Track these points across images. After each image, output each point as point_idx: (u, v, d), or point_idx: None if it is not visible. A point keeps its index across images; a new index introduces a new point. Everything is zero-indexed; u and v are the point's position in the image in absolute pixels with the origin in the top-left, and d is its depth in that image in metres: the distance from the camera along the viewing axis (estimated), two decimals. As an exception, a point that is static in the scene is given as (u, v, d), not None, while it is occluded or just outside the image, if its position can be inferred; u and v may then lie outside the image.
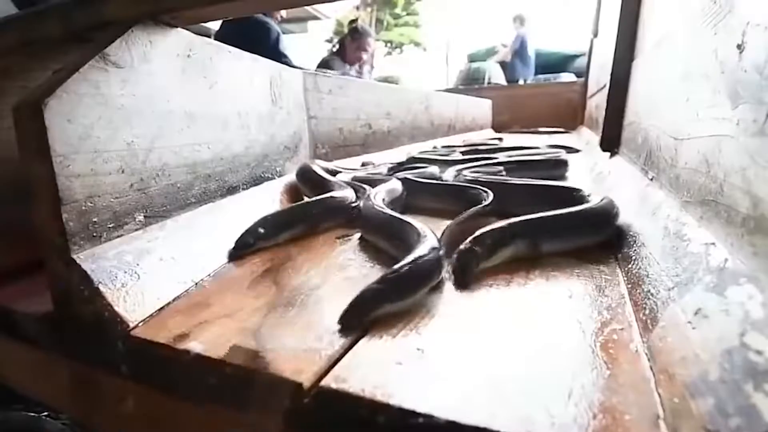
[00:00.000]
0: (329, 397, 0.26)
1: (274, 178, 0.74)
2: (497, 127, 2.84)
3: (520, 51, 4.68)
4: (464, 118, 2.26)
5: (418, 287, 0.36)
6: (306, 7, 6.02)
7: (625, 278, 0.39)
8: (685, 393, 0.22)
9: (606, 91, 1.01)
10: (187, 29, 0.53)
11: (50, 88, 0.37)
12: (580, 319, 0.32)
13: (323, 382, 0.26)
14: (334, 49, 3.15)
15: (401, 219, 0.48)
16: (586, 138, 1.66)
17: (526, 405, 0.23)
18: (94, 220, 0.40)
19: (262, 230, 0.52)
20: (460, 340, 0.31)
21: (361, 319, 0.32)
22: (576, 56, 4.80)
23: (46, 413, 0.90)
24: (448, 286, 0.39)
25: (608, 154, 0.97)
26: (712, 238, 0.32)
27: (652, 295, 0.33)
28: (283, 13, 2.53)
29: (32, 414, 0.90)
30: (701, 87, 0.40)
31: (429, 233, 0.42)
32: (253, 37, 1.99)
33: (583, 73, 2.64)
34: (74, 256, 0.37)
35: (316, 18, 7.43)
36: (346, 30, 3.03)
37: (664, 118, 0.54)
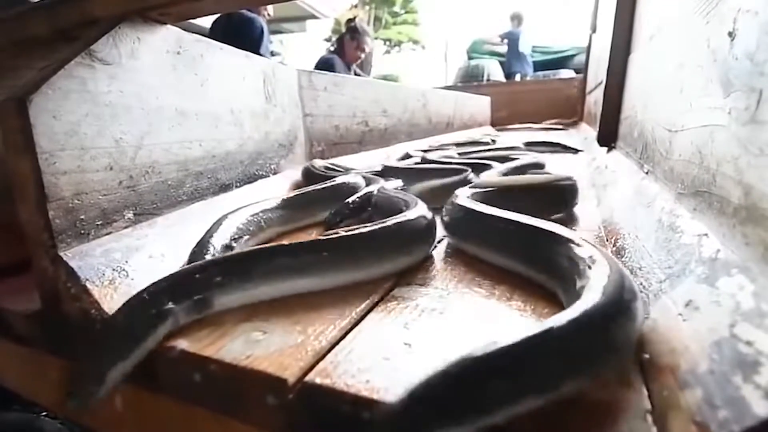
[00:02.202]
0: (313, 392, 0.25)
1: (269, 176, 0.74)
2: (496, 124, 2.83)
3: (511, 46, 4.75)
4: (462, 115, 2.25)
5: None
6: (304, 6, 6.02)
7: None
8: (674, 385, 0.22)
9: (603, 86, 1.00)
10: (179, 27, 0.53)
11: (35, 85, 0.37)
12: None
13: (307, 378, 0.26)
14: (332, 48, 3.13)
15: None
16: (585, 134, 1.66)
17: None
18: (82, 217, 0.39)
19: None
20: (449, 335, 0.30)
21: None
22: (574, 55, 4.85)
23: (44, 413, 0.90)
24: (439, 282, 0.39)
25: (606, 148, 0.97)
26: (705, 229, 0.32)
27: (644, 288, 0.33)
28: (270, 10, 2.50)
29: (30, 414, 0.90)
30: (695, 77, 0.40)
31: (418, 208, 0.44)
32: (239, 34, 1.98)
33: (582, 70, 2.63)
34: (61, 254, 0.37)
35: (314, 17, 7.41)
36: (343, 29, 3.01)
37: (659, 110, 0.53)
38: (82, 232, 0.39)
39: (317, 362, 0.28)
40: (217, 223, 0.47)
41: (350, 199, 0.58)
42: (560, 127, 2.40)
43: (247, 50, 0.69)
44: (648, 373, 0.24)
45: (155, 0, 0.45)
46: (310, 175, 0.78)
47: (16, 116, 0.35)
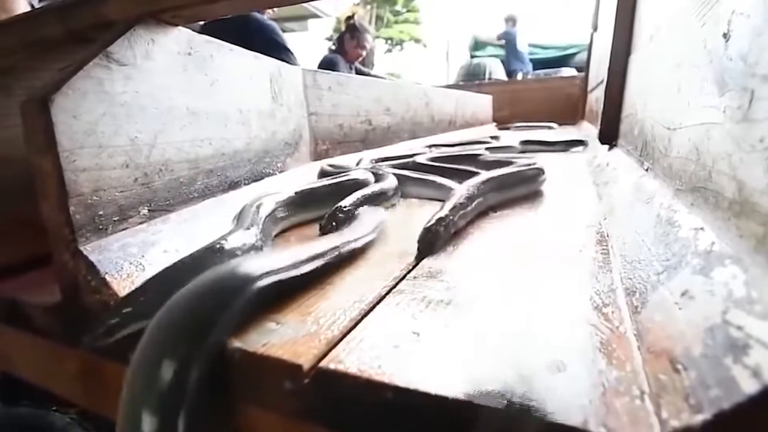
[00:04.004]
0: (328, 377, 0.27)
1: (276, 174, 0.75)
2: (499, 122, 2.84)
3: (509, 46, 4.87)
4: (464, 113, 2.27)
5: None
6: (306, 6, 6.03)
7: (619, 265, 0.40)
8: (670, 369, 0.23)
9: (604, 84, 1.01)
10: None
11: (56, 85, 0.38)
12: (572, 305, 0.33)
13: (321, 364, 0.27)
14: (333, 47, 3.14)
15: None
16: (586, 132, 1.67)
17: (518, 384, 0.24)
18: (100, 213, 0.41)
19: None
20: (456, 324, 0.32)
21: None
22: (576, 53, 4.92)
23: (54, 408, 0.91)
24: (448, 274, 0.40)
25: (607, 146, 0.98)
26: (701, 224, 0.33)
27: (642, 279, 0.34)
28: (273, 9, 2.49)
29: (40, 409, 0.92)
30: (692, 77, 0.41)
31: None
32: (251, 36, 1.98)
33: (584, 68, 2.64)
34: (81, 248, 0.39)
35: (316, 16, 7.42)
36: (343, 27, 3.02)
37: (658, 108, 0.55)
38: (101, 227, 0.41)
39: (330, 350, 0.29)
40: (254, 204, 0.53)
41: (343, 203, 0.58)
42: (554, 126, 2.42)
43: (263, 53, 0.71)
44: (646, 359, 0.26)
45: (169, 2, 0.47)
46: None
47: (38, 116, 0.37)
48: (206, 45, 0.57)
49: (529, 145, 1.37)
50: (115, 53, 0.44)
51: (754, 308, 0.22)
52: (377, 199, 0.66)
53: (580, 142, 1.35)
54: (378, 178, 0.71)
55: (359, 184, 0.69)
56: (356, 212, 0.57)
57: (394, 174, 0.77)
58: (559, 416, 0.22)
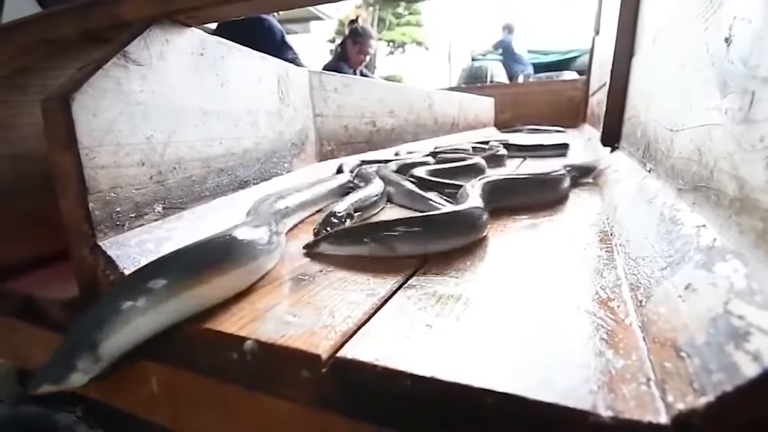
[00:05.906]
0: (345, 366, 0.28)
1: (283, 174, 0.76)
2: (500, 125, 2.85)
3: (506, 53, 4.98)
4: (467, 116, 2.28)
5: None
6: (309, 8, 6.06)
7: (623, 262, 0.41)
8: (674, 357, 0.24)
9: (607, 87, 1.02)
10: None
11: (77, 84, 0.39)
12: (578, 299, 0.34)
13: (339, 354, 0.28)
14: (338, 51, 3.14)
15: None
16: (588, 135, 1.68)
17: (528, 373, 0.25)
18: (118, 209, 0.42)
19: None
20: (465, 318, 0.33)
21: None
22: (577, 56, 4.96)
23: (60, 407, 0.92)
24: (457, 270, 0.41)
25: (609, 149, 0.99)
26: (703, 221, 0.34)
27: (646, 275, 0.35)
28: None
29: (45, 408, 0.93)
30: (694, 79, 0.42)
31: None
32: (257, 36, 1.99)
33: (585, 71, 2.66)
34: (99, 243, 0.40)
35: (318, 18, 7.46)
36: (347, 30, 3.03)
37: (661, 111, 0.56)
38: (118, 223, 0.42)
39: (346, 341, 0.30)
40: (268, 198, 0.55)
41: (337, 209, 0.58)
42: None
43: (268, 53, 0.72)
44: (651, 348, 0.27)
45: (184, 3, 0.48)
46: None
47: (60, 113, 0.38)
48: (218, 46, 0.58)
49: (516, 150, 1.39)
50: (132, 53, 0.45)
51: (755, 299, 0.23)
52: (368, 202, 0.66)
53: (564, 146, 1.38)
54: (366, 182, 0.72)
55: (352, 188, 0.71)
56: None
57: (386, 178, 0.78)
58: (570, 401, 0.23)
